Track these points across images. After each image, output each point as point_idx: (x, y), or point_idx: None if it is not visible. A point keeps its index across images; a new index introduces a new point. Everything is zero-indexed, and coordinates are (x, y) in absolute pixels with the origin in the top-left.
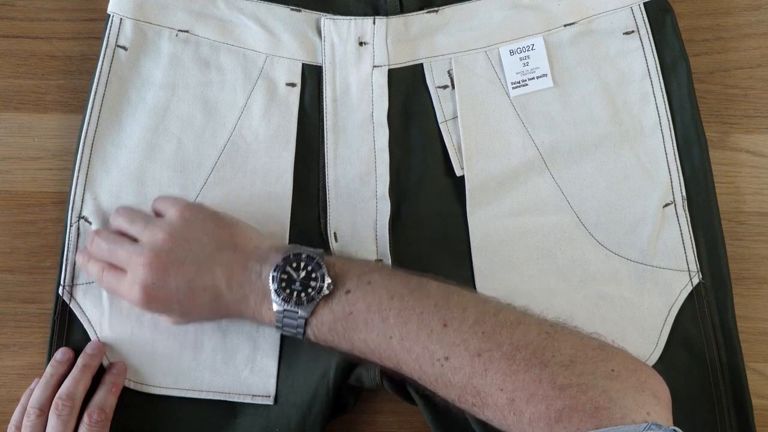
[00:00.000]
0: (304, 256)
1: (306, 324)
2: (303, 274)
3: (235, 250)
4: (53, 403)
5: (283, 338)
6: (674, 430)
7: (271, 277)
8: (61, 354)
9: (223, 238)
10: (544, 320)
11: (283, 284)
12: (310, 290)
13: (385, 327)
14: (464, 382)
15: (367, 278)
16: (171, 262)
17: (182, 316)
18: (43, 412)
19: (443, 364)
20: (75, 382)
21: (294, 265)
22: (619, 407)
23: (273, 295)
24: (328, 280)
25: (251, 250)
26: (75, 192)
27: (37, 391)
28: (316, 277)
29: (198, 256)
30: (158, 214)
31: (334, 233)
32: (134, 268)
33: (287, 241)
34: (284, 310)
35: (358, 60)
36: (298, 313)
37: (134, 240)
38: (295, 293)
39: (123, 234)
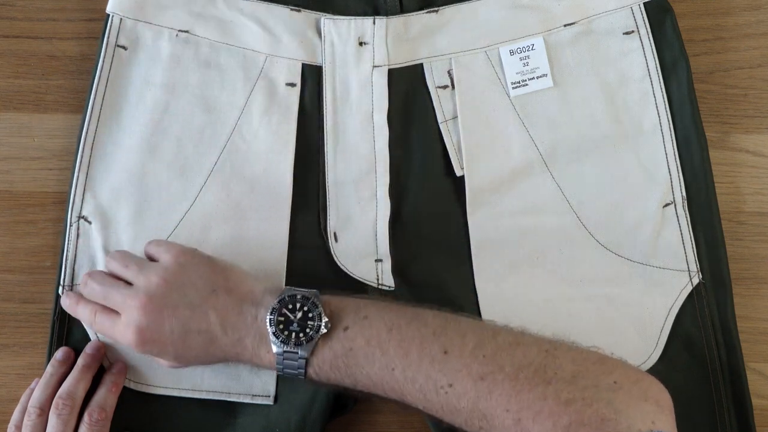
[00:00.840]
0: (299, 296)
1: (307, 364)
2: (300, 314)
3: (229, 294)
4: (53, 402)
5: None
6: None
7: (268, 320)
8: (62, 354)
9: (218, 282)
10: (542, 338)
11: (281, 326)
12: (308, 330)
13: (387, 359)
14: (470, 407)
15: (363, 313)
16: (165, 306)
17: (177, 359)
18: (44, 411)
19: (447, 391)
20: (75, 381)
21: (290, 306)
22: (625, 418)
23: (271, 338)
24: (325, 319)
25: (245, 294)
26: (75, 192)
27: (37, 390)
28: (312, 316)
29: (192, 300)
30: (152, 259)
31: (334, 233)
32: (129, 311)
33: (287, 242)
34: (284, 351)
35: (358, 60)
36: (298, 353)
37: (128, 284)
38: (293, 334)
39: (117, 277)
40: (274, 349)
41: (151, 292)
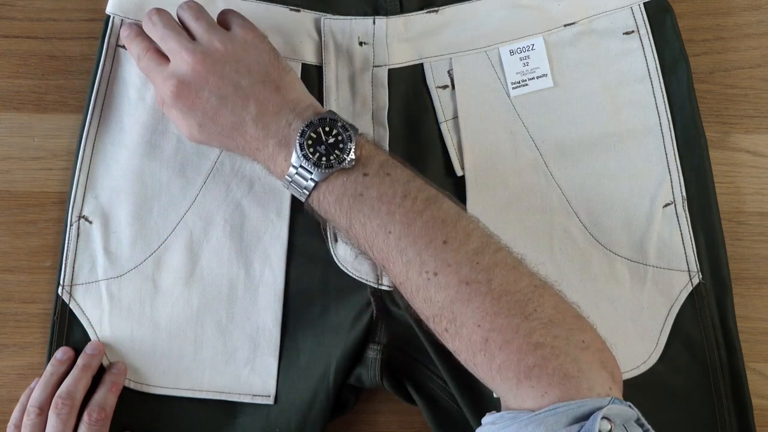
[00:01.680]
0: (339, 124)
1: (314, 188)
2: (332, 140)
3: (277, 91)
4: (53, 402)
5: (283, 338)
6: (630, 405)
7: (300, 131)
8: (62, 353)
9: (271, 76)
10: (535, 273)
11: (310, 141)
12: (332, 157)
13: (389, 220)
14: (444, 304)
15: (388, 170)
16: (214, 72)
17: (200, 127)
18: (43, 411)
19: (430, 278)
20: (75, 381)
21: (327, 128)
22: (587, 379)
23: (296, 147)
24: (352, 156)
25: (291, 98)
26: (75, 191)
27: (37, 390)
28: (342, 147)
29: (241, 81)
30: (223, 24)
31: (334, 233)
32: (179, 61)
33: (287, 242)
34: (300, 166)
35: (358, 60)
36: (312, 174)
37: (191, 37)
38: (317, 154)
39: (183, 27)
40: (293, 160)
41: (208, 53)
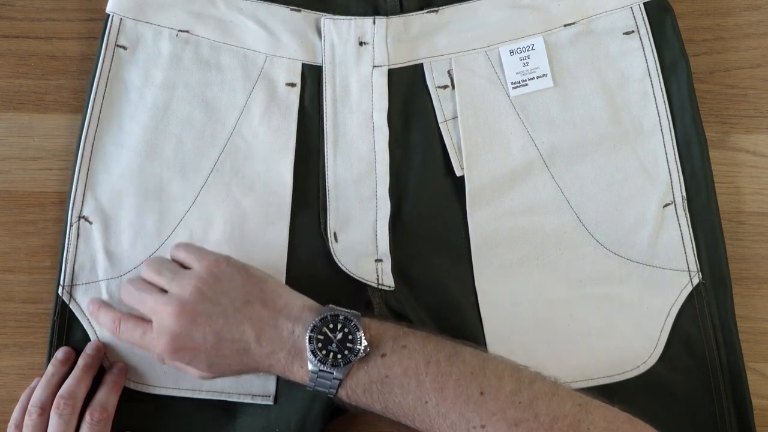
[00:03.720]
0: (341, 317)
1: (340, 385)
2: (340, 335)
3: (264, 306)
4: (55, 402)
5: None
6: None
7: (307, 338)
8: (63, 353)
9: (252, 293)
10: (574, 392)
11: (320, 344)
12: (346, 352)
13: (421, 391)
14: None
15: (402, 342)
16: (199, 314)
17: (210, 368)
18: (45, 411)
19: (479, 431)
20: (76, 381)
21: (330, 326)
22: None
23: (309, 355)
24: (364, 343)
25: (282, 307)
26: (75, 192)
27: (38, 390)
28: (353, 339)
29: (226, 310)
30: (182, 265)
31: (334, 233)
32: (161, 318)
33: (287, 242)
34: (319, 370)
35: (358, 60)
36: (333, 374)
37: (162, 291)
38: (331, 354)
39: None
40: (310, 366)
41: (184, 299)
